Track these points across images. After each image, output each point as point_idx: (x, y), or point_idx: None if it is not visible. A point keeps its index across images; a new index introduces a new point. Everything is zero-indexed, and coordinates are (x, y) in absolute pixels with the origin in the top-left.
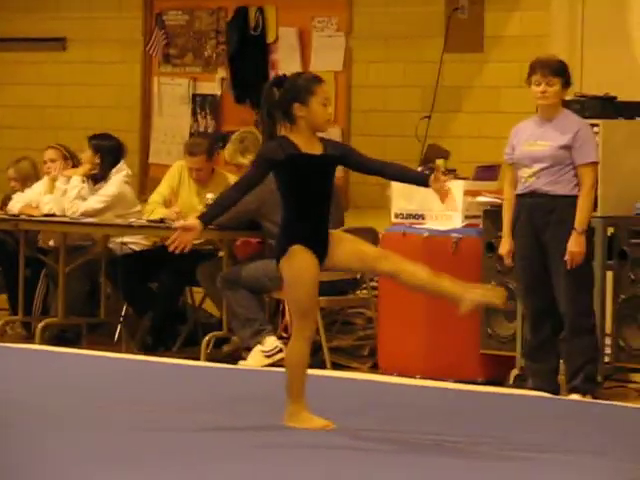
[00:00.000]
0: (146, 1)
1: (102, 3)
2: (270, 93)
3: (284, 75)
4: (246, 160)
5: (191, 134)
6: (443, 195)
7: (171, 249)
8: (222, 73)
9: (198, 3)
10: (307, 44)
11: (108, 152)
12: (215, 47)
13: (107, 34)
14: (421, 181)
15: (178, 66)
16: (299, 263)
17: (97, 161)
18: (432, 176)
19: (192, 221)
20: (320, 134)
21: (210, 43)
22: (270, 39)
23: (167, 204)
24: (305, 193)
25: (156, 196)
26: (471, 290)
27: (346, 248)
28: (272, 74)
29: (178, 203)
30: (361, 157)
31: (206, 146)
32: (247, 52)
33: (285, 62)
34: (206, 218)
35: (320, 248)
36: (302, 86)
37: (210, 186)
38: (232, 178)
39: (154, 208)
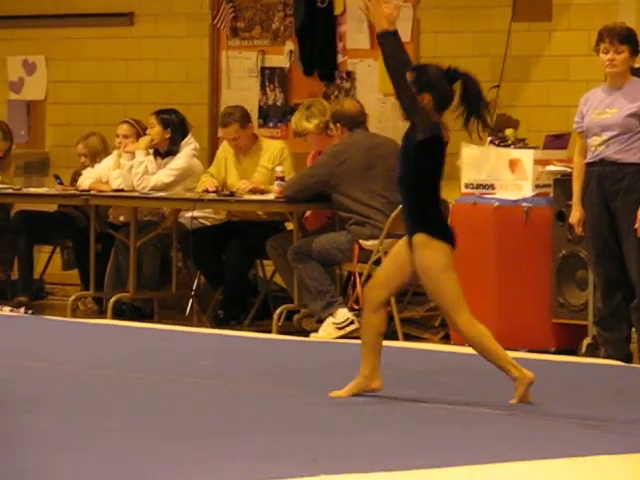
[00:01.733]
0: None
1: None
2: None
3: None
4: (311, 125)
5: (260, 107)
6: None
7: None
8: (290, 46)
9: None
10: None
11: (177, 126)
12: (283, 20)
13: (175, 8)
14: None
15: (246, 39)
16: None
17: (167, 136)
18: None
19: None
20: None
21: (278, 16)
22: (337, 11)
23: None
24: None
25: (205, 174)
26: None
27: None
28: (340, 46)
29: (228, 179)
30: None
31: (237, 115)
32: (315, 24)
33: (353, 34)
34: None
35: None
36: None
37: (250, 155)
38: (272, 143)
39: (203, 181)
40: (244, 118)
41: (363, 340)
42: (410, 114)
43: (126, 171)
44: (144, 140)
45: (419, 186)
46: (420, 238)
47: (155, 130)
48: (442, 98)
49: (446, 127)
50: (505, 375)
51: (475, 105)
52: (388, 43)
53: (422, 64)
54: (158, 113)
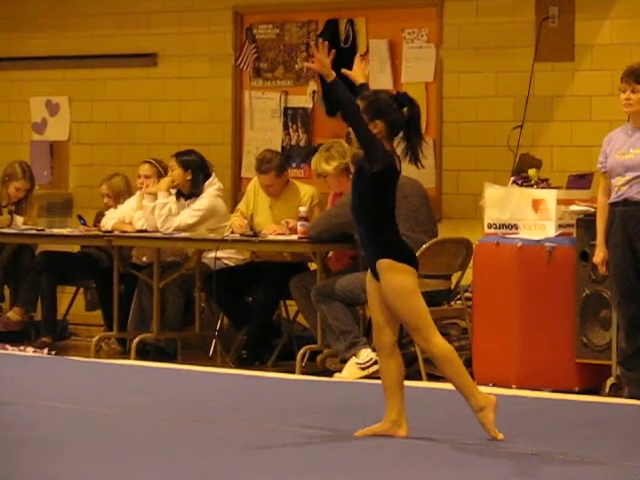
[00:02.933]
0: (236, 15)
1: (192, 18)
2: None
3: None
4: (330, 167)
5: (283, 147)
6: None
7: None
8: (313, 86)
9: (288, 16)
10: (397, 56)
11: (198, 167)
12: (305, 60)
13: (198, 49)
14: None
15: (269, 80)
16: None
17: (188, 177)
18: None
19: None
20: None
21: (301, 56)
22: (361, 51)
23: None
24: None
25: (235, 213)
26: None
27: None
28: None
29: (255, 217)
30: None
31: (275, 163)
32: (337, 65)
33: (376, 74)
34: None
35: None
36: None
37: (282, 199)
38: (303, 188)
39: (232, 221)
40: (281, 167)
41: (384, 385)
42: (366, 145)
43: (149, 213)
44: (165, 181)
45: (377, 215)
46: (385, 263)
47: (176, 172)
48: (394, 124)
49: (398, 155)
50: (529, 416)
51: (414, 139)
52: (340, 87)
53: (372, 91)
54: (177, 155)
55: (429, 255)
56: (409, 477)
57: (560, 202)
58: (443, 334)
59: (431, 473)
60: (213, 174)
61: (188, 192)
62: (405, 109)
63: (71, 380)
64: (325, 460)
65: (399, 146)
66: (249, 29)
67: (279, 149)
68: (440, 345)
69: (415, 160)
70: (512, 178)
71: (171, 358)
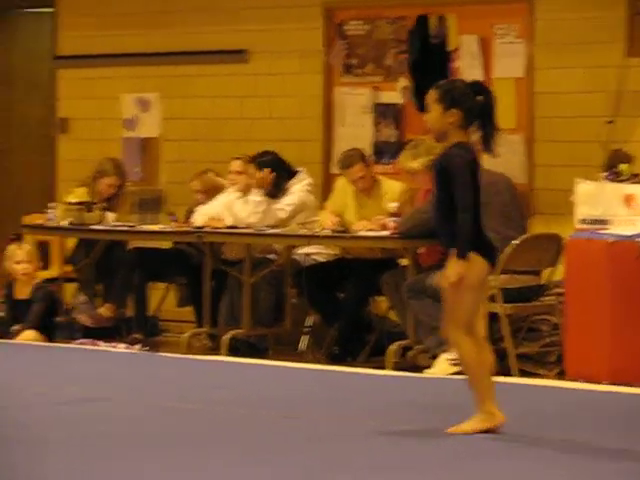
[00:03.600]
0: (327, 11)
1: (283, 14)
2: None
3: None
4: (416, 164)
5: (374, 143)
6: None
7: None
8: (403, 82)
9: (379, 12)
10: (488, 51)
11: (280, 166)
12: (396, 56)
13: (288, 45)
14: None
15: (359, 76)
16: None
17: (270, 178)
18: None
19: None
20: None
21: (391, 52)
22: (451, 47)
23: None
24: None
25: (324, 210)
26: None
27: None
28: None
29: (345, 216)
30: None
31: (359, 154)
32: (428, 60)
33: (466, 70)
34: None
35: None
36: None
37: (371, 197)
38: (393, 185)
39: (322, 218)
40: (363, 156)
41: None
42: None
43: (238, 209)
44: (246, 183)
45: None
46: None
47: (260, 174)
48: (470, 112)
49: (474, 147)
50: (621, 413)
51: (489, 128)
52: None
53: (449, 80)
54: (254, 158)
55: (520, 251)
56: (500, 469)
57: None
58: (533, 330)
59: (520, 468)
60: (303, 170)
61: (273, 192)
62: (480, 97)
63: (163, 376)
64: (417, 456)
65: (474, 135)
66: (339, 25)
67: (370, 145)
68: (458, 342)
69: (489, 149)
70: (604, 174)
71: (262, 354)
